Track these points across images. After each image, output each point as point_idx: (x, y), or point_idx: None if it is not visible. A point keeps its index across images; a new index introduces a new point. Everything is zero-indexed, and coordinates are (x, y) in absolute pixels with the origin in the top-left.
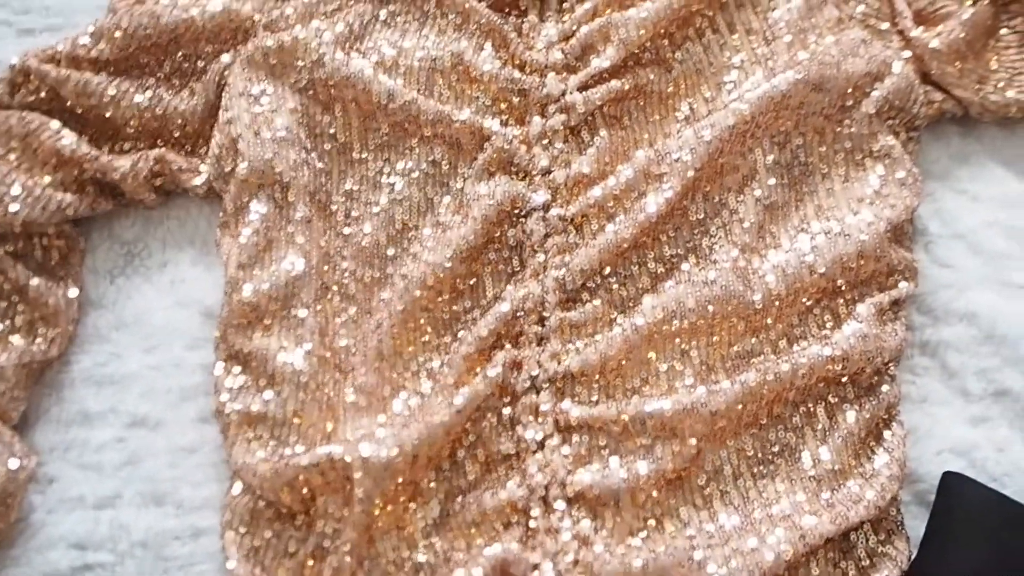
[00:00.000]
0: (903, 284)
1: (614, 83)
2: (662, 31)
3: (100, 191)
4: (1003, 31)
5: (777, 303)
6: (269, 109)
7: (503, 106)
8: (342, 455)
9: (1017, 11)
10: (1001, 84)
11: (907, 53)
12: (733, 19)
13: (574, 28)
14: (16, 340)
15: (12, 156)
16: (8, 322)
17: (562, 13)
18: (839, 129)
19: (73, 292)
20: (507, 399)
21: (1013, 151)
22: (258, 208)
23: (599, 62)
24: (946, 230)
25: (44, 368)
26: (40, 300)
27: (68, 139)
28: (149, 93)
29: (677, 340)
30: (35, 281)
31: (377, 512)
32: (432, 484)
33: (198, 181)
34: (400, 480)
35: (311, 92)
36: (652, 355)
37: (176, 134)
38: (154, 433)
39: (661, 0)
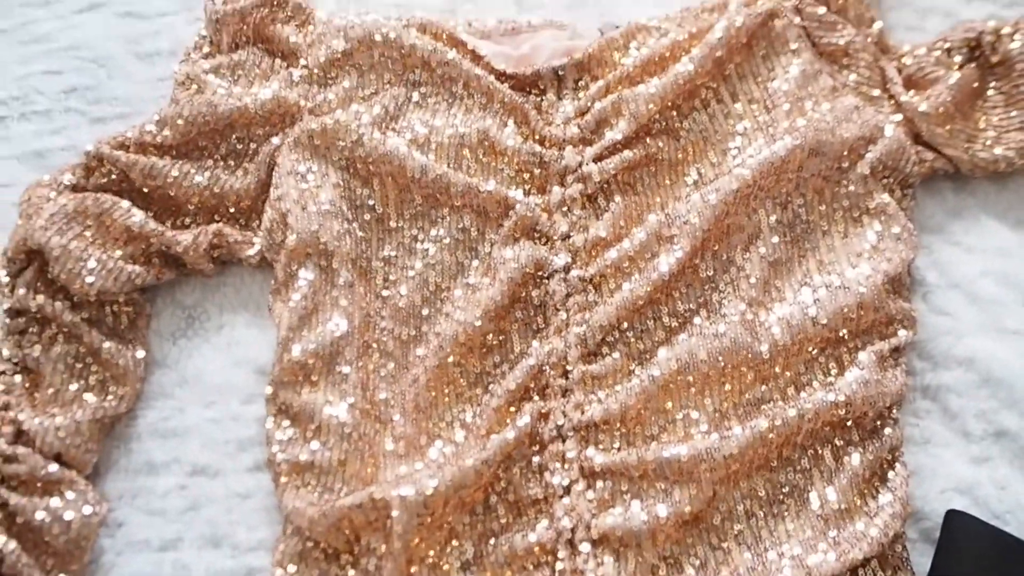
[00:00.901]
0: (902, 332)
1: (627, 153)
2: (670, 103)
3: (165, 262)
4: (990, 92)
5: (783, 353)
6: (314, 185)
7: (526, 177)
8: (382, 495)
9: (1002, 72)
10: (989, 142)
11: (898, 117)
12: (736, 90)
13: (589, 104)
14: (90, 398)
15: (88, 233)
16: (83, 381)
17: (577, 91)
18: (837, 189)
19: (140, 353)
20: (535, 447)
21: (1004, 204)
22: (306, 275)
23: (612, 135)
24: (943, 280)
25: (114, 423)
26: (111, 361)
27: (137, 217)
28: (208, 174)
29: (692, 389)
30: (107, 344)
31: (414, 547)
32: (466, 526)
33: (252, 252)
34: (434, 518)
35: (352, 168)
36: (668, 404)
37: (232, 210)
38: (213, 481)
39: (668, 75)
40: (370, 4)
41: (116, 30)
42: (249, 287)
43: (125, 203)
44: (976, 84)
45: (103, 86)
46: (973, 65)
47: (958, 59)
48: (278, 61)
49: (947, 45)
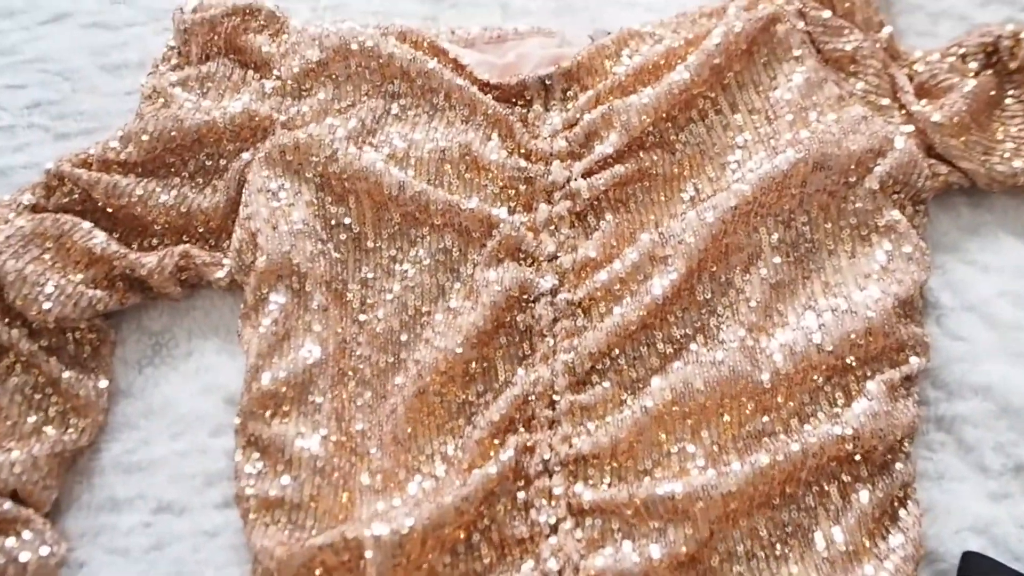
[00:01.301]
0: (914, 359)
1: (618, 168)
2: (664, 114)
3: (129, 286)
4: (1008, 100)
5: (786, 382)
6: (286, 203)
7: (511, 194)
8: (355, 534)
9: (1021, 80)
10: (1007, 154)
11: (909, 127)
12: (735, 99)
13: (578, 116)
14: (49, 431)
15: (47, 256)
16: (42, 414)
17: (566, 102)
18: (843, 205)
19: (103, 383)
20: (520, 483)
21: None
22: (277, 299)
23: (603, 148)
24: (958, 302)
25: (76, 457)
26: (72, 392)
27: (99, 239)
28: (174, 192)
29: (687, 421)
30: (67, 374)
31: None
32: (447, 567)
33: (221, 274)
34: (411, 559)
35: (326, 186)
36: (662, 437)
37: (200, 230)
38: (179, 518)
39: (662, 85)
40: (347, 12)
41: (82, 42)
42: (219, 311)
43: (86, 224)
44: (993, 92)
45: (68, 100)
46: (990, 72)
47: (974, 66)
48: (250, 72)
49: (962, 51)
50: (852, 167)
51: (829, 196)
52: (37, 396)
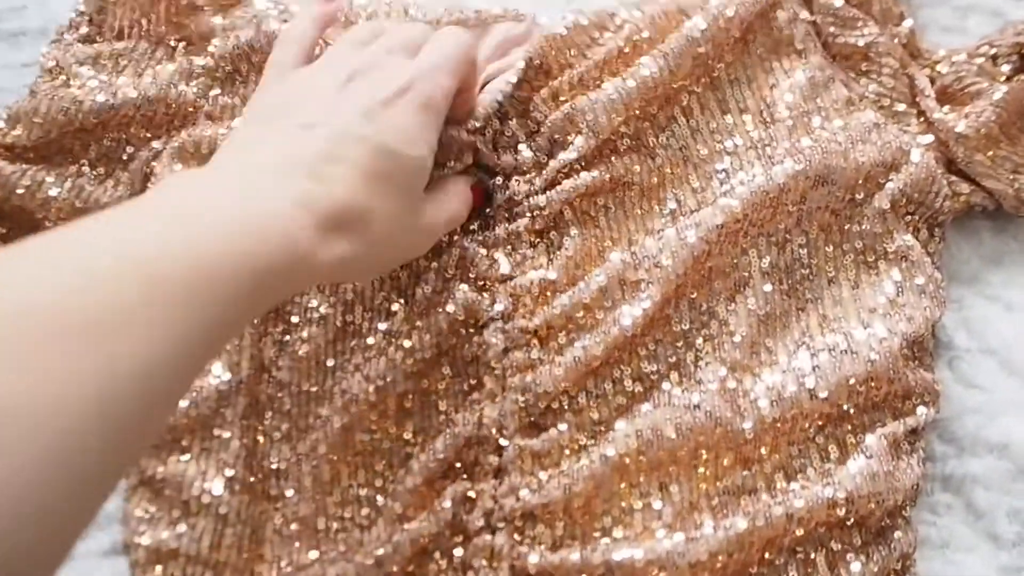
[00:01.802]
0: (922, 410)
1: (584, 176)
2: (638, 112)
3: None
4: None
5: (771, 432)
6: None
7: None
8: None
9: None
10: None
11: (928, 138)
12: (725, 97)
13: (541, 119)
14: None
15: None
16: None
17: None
18: (848, 227)
19: None
20: (458, 539)
21: None
22: None
23: (566, 155)
24: (975, 344)
25: None
26: None
27: None
28: (68, 184)
29: (655, 474)
30: None
31: None
32: None
33: None
34: None
35: None
36: (624, 489)
37: None
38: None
39: (634, 77)
40: None
41: None
42: None
43: None
44: None
45: None
46: (1019, 81)
47: (1006, 69)
48: (181, 47)
49: (992, 51)
50: (860, 182)
51: (832, 215)
52: None
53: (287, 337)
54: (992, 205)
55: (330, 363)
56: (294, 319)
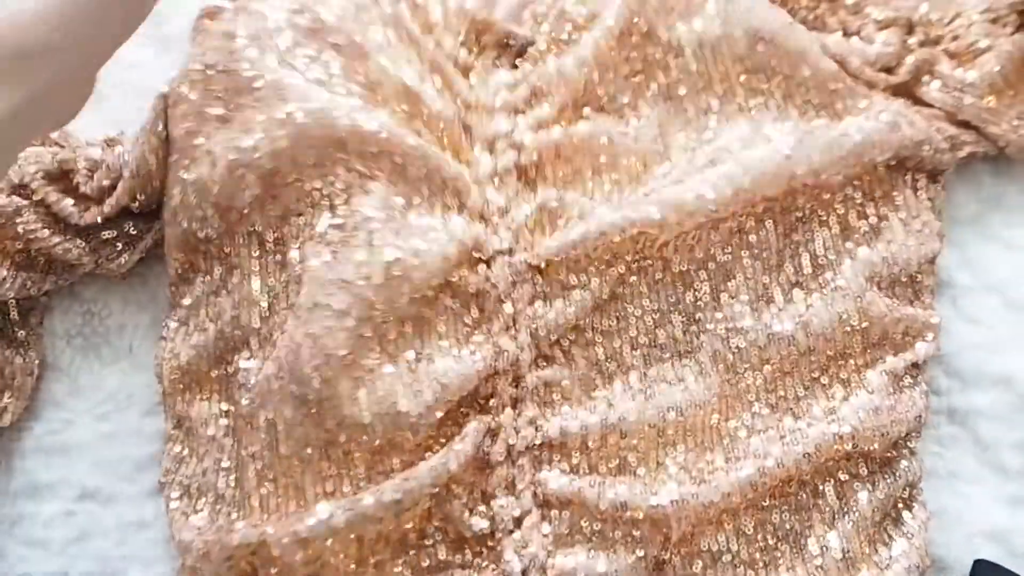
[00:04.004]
0: (921, 345)
1: (567, 128)
2: (613, 66)
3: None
4: None
5: (778, 373)
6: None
7: (445, 142)
8: (278, 537)
9: None
10: None
11: (893, 105)
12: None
13: (525, 76)
14: None
15: None
16: None
17: (516, 65)
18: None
19: (34, 356)
20: (480, 471)
21: None
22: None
23: (546, 110)
24: (977, 282)
25: None
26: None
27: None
28: None
29: (668, 432)
30: None
31: None
32: (399, 563)
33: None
34: (349, 553)
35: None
36: (635, 443)
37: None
38: (104, 507)
39: (600, 29)
40: None
41: None
42: (158, 278)
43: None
44: None
45: None
46: (1021, 34)
47: (1008, 29)
48: None
49: (992, 15)
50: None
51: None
52: None
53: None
54: (994, 151)
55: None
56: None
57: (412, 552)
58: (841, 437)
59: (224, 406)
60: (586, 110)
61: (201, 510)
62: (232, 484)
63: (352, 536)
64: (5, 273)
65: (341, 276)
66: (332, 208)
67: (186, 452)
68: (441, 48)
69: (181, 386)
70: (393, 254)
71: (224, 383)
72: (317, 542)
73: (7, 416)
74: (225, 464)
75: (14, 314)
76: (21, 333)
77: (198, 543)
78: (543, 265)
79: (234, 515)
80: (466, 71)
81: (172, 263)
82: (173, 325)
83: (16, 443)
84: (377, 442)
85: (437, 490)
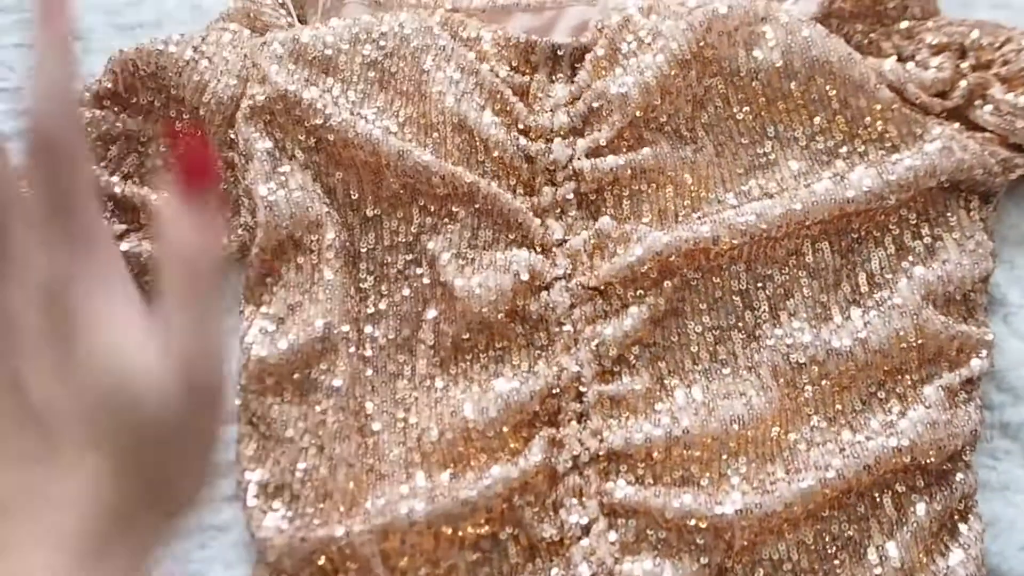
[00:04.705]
0: (975, 361)
1: (624, 154)
2: (675, 91)
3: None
4: None
5: (835, 388)
6: (287, 170)
7: (509, 172)
8: (358, 531)
9: None
10: None
11: (947, 130)
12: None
13: (584, 88)
14: None
15: None
16: None
17: (575, 72)
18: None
19: None
20: (549, 481)
21: None
22: (281, 271)
23: (603, 132)
24: None
25: None
26: None
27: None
28: None
29: (730, 444)
30: None
31: None
32: (471, 564)
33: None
34: (423, 552)
35: (320, 151)
36: (699, 454)
37: None
38: None
39: (665, 51)
40: None
41: (95, 0)
42: (234, 287)
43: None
44: None
45: (79, 61)
46: None
47: None
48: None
49: None
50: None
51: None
52: None
53: (365, 285)
54: None
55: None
56: (376, 276)
57: (486, 555)
58: (900, 450)
59: (304, 409)
60: (645, 133)
61: (278, 509)
62: (310, 485)
63: (430, 532)
64: None
65: (414, 309)
66: (409, 246)
67: (262, 452)
68: (496, 75)
69: (262, 387)
70: (461, 289)
71: (305, 387)
72: (396, 536)
73: None
74: (302, 466)
75: None
76: None
77: (280, 540)
78: (602, 287)
79: (312, 512)
80: (524, 93)
81: (257, 266)
82: (256, 328)
83: None
84: (452, 452)
85: (509, 496)
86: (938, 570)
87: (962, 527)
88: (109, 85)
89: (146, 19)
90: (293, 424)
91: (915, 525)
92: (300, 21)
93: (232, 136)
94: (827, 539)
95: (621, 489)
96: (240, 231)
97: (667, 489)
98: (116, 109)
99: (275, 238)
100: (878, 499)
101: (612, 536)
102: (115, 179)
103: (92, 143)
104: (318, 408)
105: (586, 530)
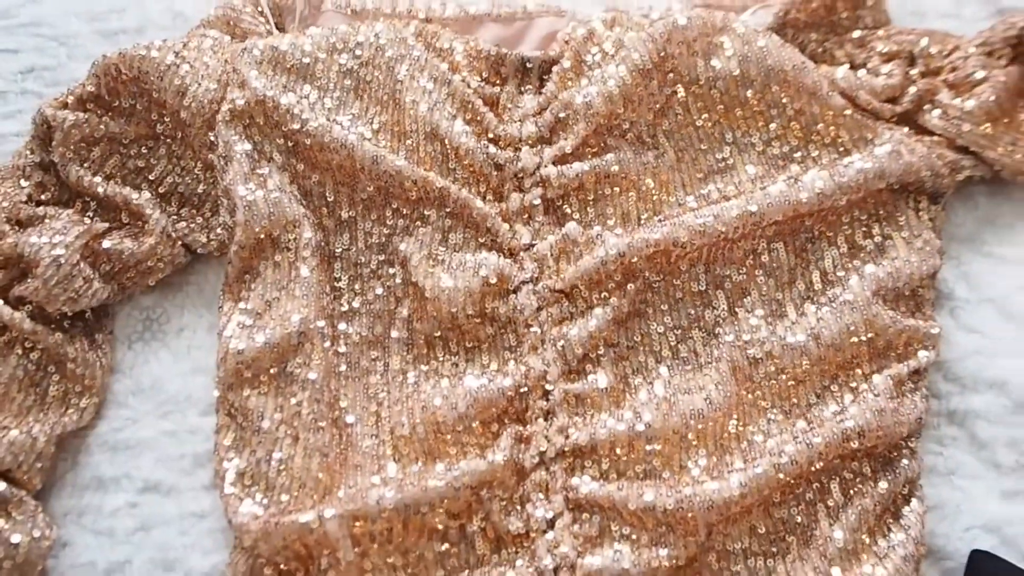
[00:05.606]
0: (923, 353)
1: (588, 160)
2: (637, 99)
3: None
4: None
5: (792, 381)
6: (265, 171)
7: (480, 179)
8: (329, 516)
9: None
10: None
11: (897, 135)
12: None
13: (551, 99)
14: (51, 411)
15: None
16: (42, 392)
17: (543, 84)
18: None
19: (107, 358)
20: (516, 477)
21: None
22: (259, 269)
23: (569, 140)
24: (974, 295)
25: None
26: (76, 369)
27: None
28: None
29: (689, 435)
30: (72, 349)
31: (370, 571)
32: (439, 555)
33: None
34: (393, 540)
35: (296, 153)
36: (659, 448)
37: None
38: (166, 499)
39: (627, 61)
40: None
41: (79, 6)
42: (213, 287)
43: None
44: (1022, 83)
45: (63, 67)
46: (1016, 66)
47: (1002, 61)
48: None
49: (987, 48)
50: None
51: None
52: (39, 374)
53: (341, 284)
54: (989, 174)
55: (390, 307)
56: (349, 275)
57: (454, 546)
58: (848, 436)
59: (280, 400)
60: (608, 140)
61: (254, 496)
62: (285, 473)
63: (399, 519)
64: (97, 285)
65: (387, 307)
66: (382, 247)
67: (239, 442)
68: (468, 86)
69: (239, 379)
70: (431, 289)
71: (281, 379)
72: (365, 522)
73: (86, 415)
74: (277, 455)
75: (92, 320)
76: (99, 337)
77: (255, 525)
78: (567, 290)
79: (287, 500)
80: (494, 103)
81: (236, 264)
82: (234, 322)
83: (81, 440)
84: (423, 445)
85: (477, 489)
86: (880, 550)
87: (905, 510)
88: (92, 89)
89: (129, 25)
90: (269, 415)
91: (860, 508)
92: (278, 29)
93: (212, 138)
94: (779, 525)
95: (586, 484)
96: (219, 230)
97: (630, 483)
98: (99, 112)
99: (254, 236)
100: (826, 485)
101: (576, 530)
102: (98, 179)
103: (76, 145)
104: (293, 400)
105: (551, 524)
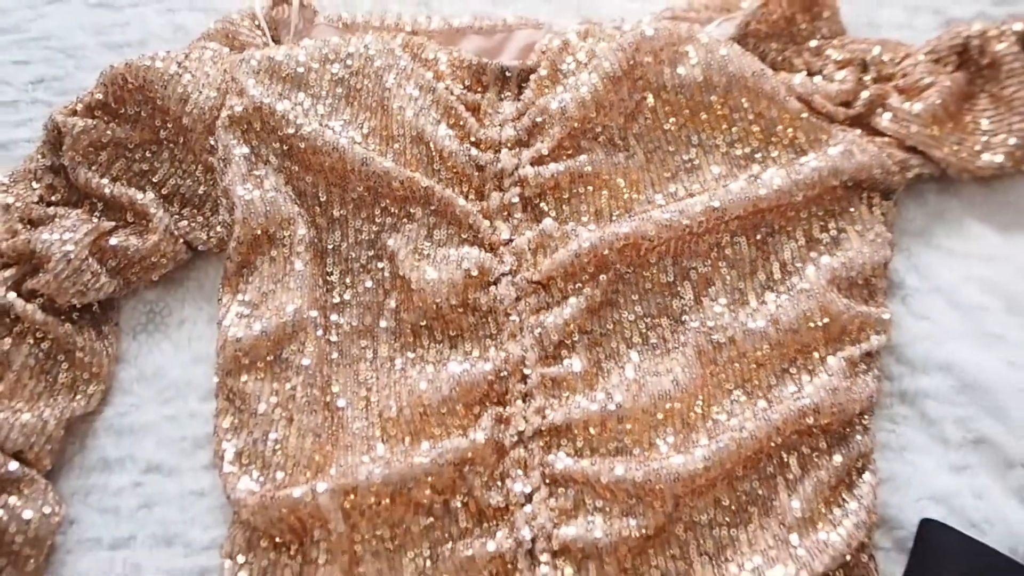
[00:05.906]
0: (875, 337)
1: (564, 161)
2: (609, 104)
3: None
4: (980, 95)
5: (753, 364)
6: (262, 173)
7: (462, 180)
8: (321, 491)
9: (991, 75)
10: (978, 147)
11: (849, 136)
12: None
13: (528, 105)
14: (60, 396)
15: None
16: (52, 379)
17: (521, 91)
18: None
19: (114, 347)
20: (496, 455)
21: (989, 207)
22: (256, 264)
23: (545, 143)
24: (923, 284)
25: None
26: (85, 356)
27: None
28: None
29: (658, 415)
30: (81, 338)
31: (360, 543)
32: (424, 528)
33: (204, 236)
34: (380, 513)
35: (291, 156)
36: (630, 427)
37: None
38: (167, 479)
39: (598, 70)
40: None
41: (86, 20)
42: (212, 282)
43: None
44: (966, 88)
45: (71, 77)
46: (961, 72)
47: (948, 68)
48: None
49: (935, 56)
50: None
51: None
52: (49, 363)
53: (333, 278)
54: (937, 172)
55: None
56: (341, 269)
57: (438, 519)
58: (804, 412)
59: (275, 385)
60: (582, 143)
61: (251, 473)
62: (280, 453)
63: (386, 493)
64: (104, 279)
65: (376, 299)
66: (371, 243)
67: (237, 424)
68: (451, 93)
69: (237, 366)
70: (417, 281)
71: (276, 365)
72: (355, 496)
73: (93, 401)
74: (273, 436)
75: (99, 312)
76: (105, 328)
77: (252, 500)
78: (544, 281)
79: (282, 477)
80: (475, 109)
81: (235, 259)
82: (232, 313)
83: (88, 424)
84: (409, 426)
85: (460, 466)
86: (835, 518)
87: (858, 481)
88: (100, 97)
89: (132, 38)
90: (266, 399)
91: (816, 480)
92: (274, 41)
93: (212, 143)
94: (741, 497)
95: (561, 461)
96: (219, 228)
97: (603, 459)
98: (106, 119)
99: (251, 233)
100: (785, 460)
101: (552, 503)
102: (105, 181)
103: (84, 149)
104: (288, 384)
105: (529, 497)
